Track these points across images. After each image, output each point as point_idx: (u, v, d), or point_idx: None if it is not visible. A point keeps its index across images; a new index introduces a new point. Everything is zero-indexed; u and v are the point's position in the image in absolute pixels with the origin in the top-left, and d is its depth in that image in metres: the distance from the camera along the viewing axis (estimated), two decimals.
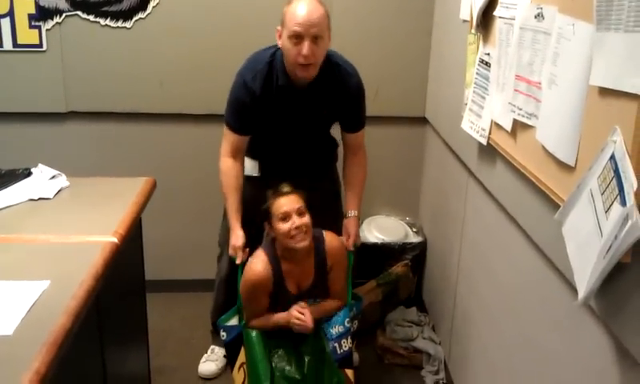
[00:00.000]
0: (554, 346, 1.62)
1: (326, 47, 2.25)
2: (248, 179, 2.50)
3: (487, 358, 2.23)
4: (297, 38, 2.15)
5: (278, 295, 2.29)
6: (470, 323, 2.46)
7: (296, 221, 2.19)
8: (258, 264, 2.27)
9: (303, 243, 2.21)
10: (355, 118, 2.49)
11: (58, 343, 1.31)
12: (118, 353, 2.07)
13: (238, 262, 2.34)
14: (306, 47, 2.14)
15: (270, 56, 2.33)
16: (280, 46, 2.26)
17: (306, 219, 2.21)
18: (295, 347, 2.31)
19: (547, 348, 1.67)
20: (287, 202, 2.21)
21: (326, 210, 2.45)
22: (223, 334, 2.40)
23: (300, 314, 2.25)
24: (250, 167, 2.54)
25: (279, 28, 2.24)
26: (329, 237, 2.36)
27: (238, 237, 2.35)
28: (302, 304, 2.28)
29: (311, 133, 2.51)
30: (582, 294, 1.24)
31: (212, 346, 2.84)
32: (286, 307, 2.29)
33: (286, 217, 2.19)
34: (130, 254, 2.14)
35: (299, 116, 2.40)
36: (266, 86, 2.31)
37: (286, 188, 2.24)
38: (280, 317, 2.29)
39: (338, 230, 2.43)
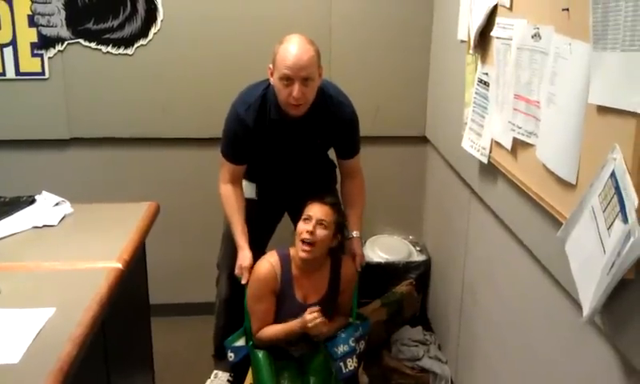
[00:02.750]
0: (560, 363, 1.62)
1: (316, 86, 2.29)
2: (245, 202, 2.52)
3: (493, 376, 2.22)
4: (287, 80, 2.20)
5: (285, 299, 2.29)
6: (475, 341, 2.45)
7: (313, 228, 2.20)
8: (267, 261, 2.31)
9: (304, 255, 2.23)
10: (350, 146, 2.53)
11: (64, 371, 1.32)
12: (123, 378, 2.07)
13: (243, 282, 2.34)
14: (296, 90, 2.20)
15: (263, 90, 2.38)
16: (272, 83, 2.30)
17: (322, 234, 2.22)
18: (301, 367, 2.32)
19: (553, 365, 1.67)
20: (317, 209, 2.24)
21: None
22: (231, 354, 2.40)
23: (314, 316, 2.20)
24: (248, 190, 2.56)
25: (271, 66, 2.28)
26: (347, 263, 2.39)
27: (245, 257, 2.36)
28: (314, 308, 2.23)
29: (306, 159, 2.54)
30: (586, 310, 1.25)
31: (215, 371, 2.81)
32: (291, 316, 2.27)
33: (307, 219, 2.22)
34: (134, 278, 2.14)
35: (293, 145, 2.44)
36: (258, 119, 2.36)
37: (328, 198, 2.28)
38: (293, 324, 2.25)
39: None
